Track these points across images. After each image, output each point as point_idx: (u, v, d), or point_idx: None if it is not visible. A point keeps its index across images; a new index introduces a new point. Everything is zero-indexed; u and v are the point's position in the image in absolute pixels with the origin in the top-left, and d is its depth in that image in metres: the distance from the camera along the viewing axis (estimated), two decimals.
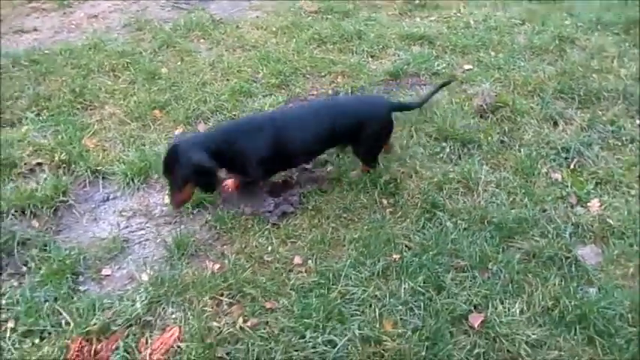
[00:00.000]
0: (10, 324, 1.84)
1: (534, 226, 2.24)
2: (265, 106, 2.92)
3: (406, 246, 2.15)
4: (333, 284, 1.98)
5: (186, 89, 3.06)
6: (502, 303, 1.94)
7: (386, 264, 2.06)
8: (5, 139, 2.63)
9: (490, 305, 1.93)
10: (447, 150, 2.66)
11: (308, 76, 3.24)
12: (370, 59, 3.46)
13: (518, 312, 1.91)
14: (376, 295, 1.95)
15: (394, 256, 2.09)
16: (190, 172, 2.04)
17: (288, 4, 4.16)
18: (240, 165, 2.19)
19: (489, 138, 2.72)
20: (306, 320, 1.84)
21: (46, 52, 3.44)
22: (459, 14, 4.05)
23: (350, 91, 3.08)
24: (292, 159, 2.33)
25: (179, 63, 3.35)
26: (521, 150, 2.65)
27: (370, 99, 2.73)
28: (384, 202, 2.36)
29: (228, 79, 3.18)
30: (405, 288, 1.97)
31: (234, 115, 2.86)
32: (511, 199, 2.38)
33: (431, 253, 2.10)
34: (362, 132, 2.31)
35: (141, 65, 3.28)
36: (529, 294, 1.97)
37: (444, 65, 3.35)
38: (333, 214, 2.28)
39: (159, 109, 2.90)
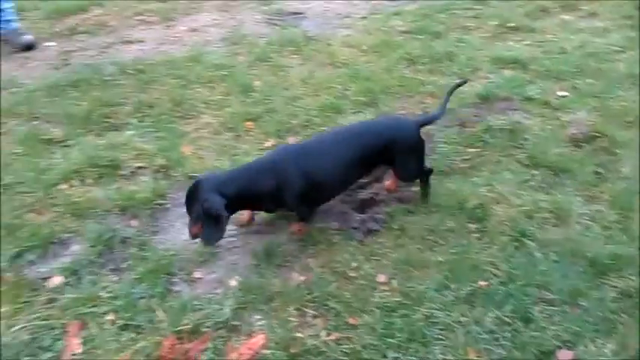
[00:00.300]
0: (110, 317, 1.96)
1: (631, 265, 2.13)
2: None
3: (493, 273, 2.11)
4: (416, 306, 1.97)
5: (277, 103, 3.16)
6: (593, 342, 1.86)
7: (471, 290, 2.03)
8: (111, 143, 2.83)
9: (580, 343, 1.85)
10: (538, 178, 2.60)
11: (397, 95, 3.26)
12: None
13: (610, 353, 1.83)
14: (460, 321, 1.92)
15: (480, 283, 2.06)
16: (202, 213, 2.02)
17: (380, 23, 4.21)
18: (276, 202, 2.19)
19: (584, 168, 2.63)
20: (389, 340, 1.84)
21: (150, 62, 3.66)
22: (554, 39, 3.94)
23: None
24: (326, 191, 2.28)
25: (272, 77, 3.47)
26: (619, 183, 2.54)
27: (395, 118, 2.70)
28: (471, 226, 2.33)
29: (318, 95, 3.25)
30: (490, 316, 1.94)
31: (323, 130, 2.92)
32: (606, 234, 2.28)
33: (519, 283, 2.05)
34: (394, 153, 2.30)
35: (236, 78, 3.42)
36: (623, 336, 1.88)
37: (538, 91, 3.26)
38: (418, 234, 2.28)
39: (251, 120, 3.02)
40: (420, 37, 3.97)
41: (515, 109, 3.13)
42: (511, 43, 3.91)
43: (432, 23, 4.18)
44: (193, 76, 3.46)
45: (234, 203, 2.07)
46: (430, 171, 2.47)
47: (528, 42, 3.91)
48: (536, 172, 2.63)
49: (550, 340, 1.86)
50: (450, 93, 2.59)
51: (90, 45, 3.98)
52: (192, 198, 2.05)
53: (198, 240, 2.23)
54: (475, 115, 3.07)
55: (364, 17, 4.40)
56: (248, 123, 2.99)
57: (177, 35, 4.12)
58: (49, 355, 1.84)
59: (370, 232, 2.30)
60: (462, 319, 1.93)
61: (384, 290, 2.05)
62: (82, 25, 4.28)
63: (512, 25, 4.14)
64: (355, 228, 2.31)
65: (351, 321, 1.93)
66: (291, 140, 2.85)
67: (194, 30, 4.20)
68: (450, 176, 2.61)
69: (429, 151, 2.77)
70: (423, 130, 2.42)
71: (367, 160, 2.30)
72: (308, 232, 2.30)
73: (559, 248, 2.21)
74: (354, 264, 2.15)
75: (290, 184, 2.13)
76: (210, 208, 1.99)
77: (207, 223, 2.02)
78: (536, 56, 3.66)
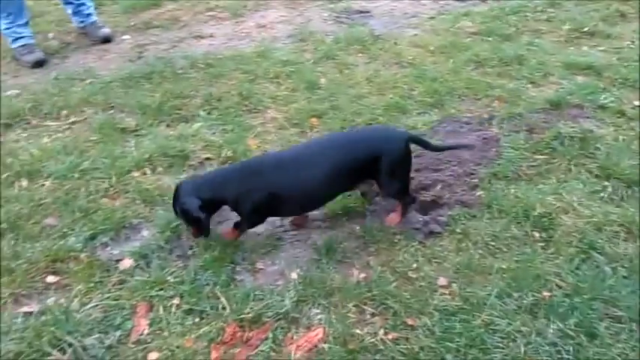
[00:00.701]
0: (176, 301, 2.04)
1: None
2: (418, 123, 2.96)
3: (557, 285, 2.06)
4: (476, 311, 1.95)
5: (342, 100, 3.18)
6: None
7: (534, 300, 1.99)
8: (181, 134, 2.93)
9: None
10: (609, 189, 2.50)
11: (463, 97, 3.22)
12: (530, 85, 3.35)
13: None
14: (521, 331, 1.89)
15: (544, 294, 2.01)
16: (181, 216, 2.14)
17: (448, 23, 4.16)
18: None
19: None
20: (447, 343, 1.84)
21: (219, 56, 3.75)
22: (631, 45, 3.78)
23: (506, 117, 3.01)
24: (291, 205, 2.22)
25: (337, 75, 3.50)
26: None
27: (384, 129, 2.55)
28: (536, 235, 2.28)
29: (383, 94, 3.25)
30: (553, 328, 1.89)
31: None
32: None
33: (584, 296, 1.99)
34: (380, 166, 2.16)
35: (302, 74, 3.47)
36: None
37: (612, 99, 3.14)
38: (481, 240, 2.25)
39: (316, 117, 3.05)
40: (489, 39, 3.90)
41: (587, 117, 3.03)
42: (585, 48, 3.77)
43: (502, 25, 4.09)
44: (261, 71, 3.53)
45: (210, 205, 2.15)
46: (414, 200, 2.38)
47: (603, 48, 3.76)
48: (607, 183, 2.53)
49: (615, 358, 1.80)
50: (456, 147, 2.59)
51: (163, 39, 4.12)
52: (174, 202, 2.16)
53: (261, 232, 2.30)
54: (544, 121, 2.99)
55: (432, 17, 4.35)
56: (313, 119, 3.03)
57: (246, 31, 4.21)
58: (119, 333, 1.93)
59: (432, 234, 2.29)
60: (524, 328, 1.90)
61: (444, 293, 2.04)
62: (155, 19, 4.44)
63: (587, 29, 3.99)
64: (417, 229, 2.31)
65: (409, 321, 1.93)
66: None
67: (262, 26, 4.28)
68: (515, 182, 2.56)
69: (495, 155, 2.73)
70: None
71: (350, 174, 2.19)
72: (236, 238, 2.28)
73: (629, 264, 2.13)
74: (415, 265, 2.15)
75: (248, 195, 2.11)
76: (187, 211, 2.10)
77: (189, 224, 2.17)
78: (612, 63, 3.53)
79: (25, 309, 2.02)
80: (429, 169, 2.64)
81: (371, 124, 2.98)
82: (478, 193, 2.51)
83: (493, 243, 2.24)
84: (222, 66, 3.61)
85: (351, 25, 4.19)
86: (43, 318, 1.95)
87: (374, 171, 2.19)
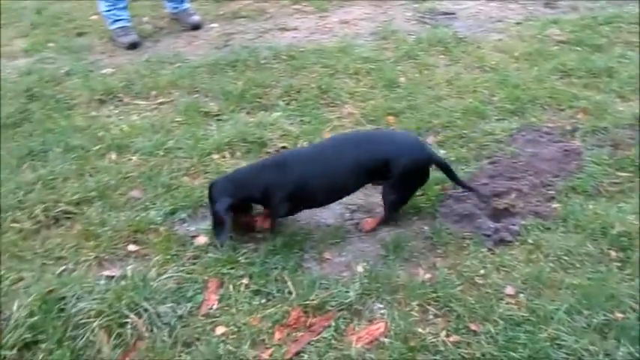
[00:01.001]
0: (245, 280, 2.13)
1: None
2: (497, 130, 2.91)
3: (631, 307, 1.98)
4: (543, 324, 1.91)
5: (421, 101, 3.18)
6: None
7: (605, 320, 1.93)
8: (260, 121, 3.03)
9: None
10: None
11: (546, 107, 3.13)
12: (618, 100, 3.21)
13: None
14: (589, 350, 1.84)
15: (616, 314, 1.94)
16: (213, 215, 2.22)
17: (535, 30, 4.05)
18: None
19: None
20: (510, 353, 1.81)
21: (302, 49, 3.83)
22: None
23: (590, 130, 2.91)
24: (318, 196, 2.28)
25: (417, 75, 3.49)
26: None
27: (414, 139, 2.47)
28: (612, 254, 2.20)
29: (462, 98, 3.22)
30: (623, 351, 1.83)
31: (464, 133, 2.90)
32: None
33: None
34: (393, 171, 2.19)
35: (382, 72, 3.49)
36: None
37: None
38: (553, 253, 2.20)
39: (393, 115, 3.07)
40: (578, 48, 3.76)
41: None
42: None
43: (592, 35, 3.94)
44: (341, 66, 3.58)
45: (241, 202, 2.22)
46: (393, 218, 2.37)
47: None
48: None
49: None
50: (467, 188, 2.45)
51: (249, 29, 4.25)
52: (210, 200, 2.26)
53: (331, 223, 2.35)
54: (630, 138, 2.87)
55: (519, 23, 4.25)
56: (389, 117, 3.05)
57: (329, 26, 4.27)
58: (190, 305, 2.04)
59: (502, 242, 2.26)
60: (591, 347, 1.84)
61: (510, 303, 2.01)
62: (243, 10, 4.59)
63: None
64: (487, 235, 2.28)
65: (472, 327, 1.92)
66: (430, 140, 2.87)
67: (345, 22, 4.32)
68: (595, 198, 2.48)
69: (575, 168, 2.66)
70: None
71: (368, 172, 2.24)
72: (272, 229, 2.32)
73: None
74: (482, 271, 2.13)
75: (278, 188, 2.18)
76: (216, 212, 2.18)
77: (215, 224, 2.22)
78: None
79: (107, 273, 2.17)
80: (505, 177, 2.60)
81: (448, 126, 2.96)
82: (554, 206, 2.44)
83: (566, 257, 2.19)
84: (304, 59, 3.69)
85: (434, 26, 4.16)
86: (123, 283, 2.08)
87: (386, 173, 2.22)
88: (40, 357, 1.84)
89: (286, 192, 2.20)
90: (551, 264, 2.16)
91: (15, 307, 1.96)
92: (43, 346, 1.86)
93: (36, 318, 1.91)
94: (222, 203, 2.17)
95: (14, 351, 1.85)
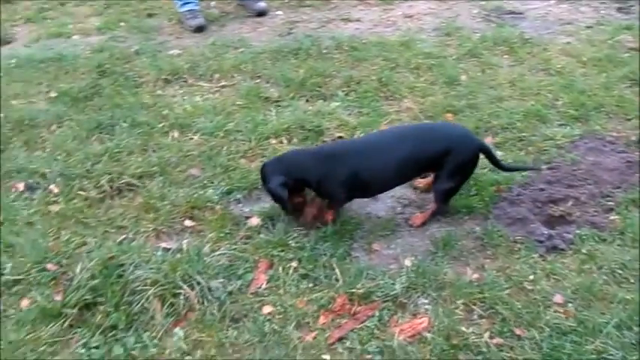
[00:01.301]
0: (294, 264, 2.18)
1: None
2: (558, 135, 2.85)
3: None
4: (590, 336, 1.88)
5: (481, 100, 3.14)
6: None
7: None
8: (319, 110, 3.07)
9: None
10: None
11: (612, 115, 3.04)
12: None
13: None
14: None
15: None
16: (269, 194, 2.30)
17: (606, 35, 3.90)
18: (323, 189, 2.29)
19: None
20: None
21: (364, 41, 3.84)
22: None
23: None
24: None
25: (479, 74, 3.44)
26: None
27: (461, 129, 2.47)
28: None
29: (524, 100, 3.16)
30: None
31: (524, 136, 2.85)
32: None
33: None
34: (445, 161, 2.22)
35: (443, 69, 3.46)
36: None
37: None
38: (607, 265, 2.15)
39: (452, 113, 3.05)
40: None
41: None
42: None
43: None
44: (402, 60, 3.57)
45: (293, 183, 2.25)
46: (445, 211, 2.39)
47: None
48: None
49: None
50: (525, 169, 2.57)
51: (313, 18, 4.29)
52: (263, 181, 2.32)
53: (382, 215, 2.37)
54: None
55: (589, 26, 4.11)
56: (448, 115, 3.03)
57: (392, 19, 4.26)
58: (240, 282, 2.12)
59: (555, 249, 2.23)
60: None
61: (558, 311, 1.99)
62: None
63: None
64: (540, 241, 2.25)
65: (517, 331, 1.91)
66: (488, 140, 2.83)
67: (409, 16, 4.30)
68: None
69: (637, 181, 2.57)
70: None
71: (421, 162, 2.28)
72: (332, 221, 2.33)
73: None
74: (531, 277, 2.11)
75: (333, 176, 2.22)
76: (270, 190, 2.26)
77: (275, 201, 2.32)
78: None
79: (164, 245, 2.27)
80: (562, 184, 2.55)
81: (507, 128, 2.92)
82: (612, 217, 2.38)
83: (620, 271, 2.13)
84: (366, 51, 3.70)
85: (500, 25, 4.08)
86: (179, 255, 2.18)
87: (439, 163, 2.25)
88: (99, 318, 1.95)
89: (339, 181, 2.24)
90: (604, 276, 2.12)
91: (78, 270, 2.09)
92: (101, 308, 1.98)
93: (96, 281, 2.03)
94: (274, 181, 2.23)
95: (75, 310, 1.97)
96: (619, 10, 4.37)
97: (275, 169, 2.27)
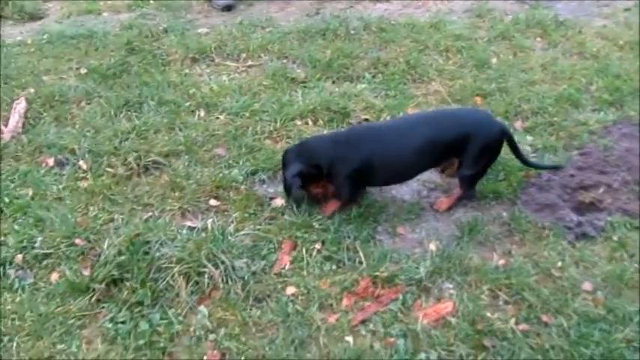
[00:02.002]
0: (317, 245, 2.18)
1: None
2: (591, 120, 2.77)
3: None
4: (620, 324, 1.85)
5: (512, 84, 3.08)
6: None
7: None
8: (345, 92, 3.04)
9: None
10: None
11: None
12: None
13: None
14: None
15: None
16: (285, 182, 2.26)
17: None
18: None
19: None
20: (581, 349, 1.77)
21: (392, 23, 3.78)
22: None
23: None
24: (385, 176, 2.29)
25: (511, 57, 3.37)
26: None
27: (484, 113, 2.42)
28: None
29: (557, 84, 3.09)
30: None
31: (555, 121, 2.78)
32: None
33: None
34: (468, 146, 2.16)
35: (473, 51, 3.39)
36: None
37: None
38: (638, 253, 2.10)
39: (481, 96, 2.99)
40: None
41: None
42: None
43: None
44: (431, 42, 3.50)
45: (312, 170, 2.22)
46: (472, 195, 2.34)
47: None
48: None
49: None
50: (545, 168, 2.48)
51: None
52: (283, 166, 2.30)
53: (407, 199, 2.35)
54: None
55: (628, 9, 3.97)
56: (477, 98, 2.98)
57: (422, 1, 4.17)
58: (264, 262, 2.12)
59: (584, 236, 2.19)
60: None
61: (587, 299, 1.95)
62: None
63: None
64: (569, 228, 2.21)
65: (544, 318, 1.88)
66: (518, 125, 2.78)
67: None
68: None
69: None
70: None
71: (442, 149, 2.21)
72: (334, 212, 2.29)
73: None
74: (560, 264, 2.07)
75: (344, 162, 2.18)
76: (285, 177, 2.25)
77: (284, 188, 2.30)
78: None
79: (190, 223, 2.29)
80: (594, 170, 2.49)
81: (538, 112, 2.85)
82: None
83: None
84: (394, 32, 3.64)
85: (533, 7, 3.97)
86: (203, 234, 2.19)
87: (461, 149, 2.19)
88: (125, 294, 1.98)
89: (350, 169, 2.20)
90: (635, 264, 2.07)
91: (105, 245, 2.11)
92: (128, 284, 2.01)
93: (123, 257, 2.06)
94: (291, 169, 2.22)
95: (103, 285, 2.00)
96: None
97: (294, 157, 2.26)
